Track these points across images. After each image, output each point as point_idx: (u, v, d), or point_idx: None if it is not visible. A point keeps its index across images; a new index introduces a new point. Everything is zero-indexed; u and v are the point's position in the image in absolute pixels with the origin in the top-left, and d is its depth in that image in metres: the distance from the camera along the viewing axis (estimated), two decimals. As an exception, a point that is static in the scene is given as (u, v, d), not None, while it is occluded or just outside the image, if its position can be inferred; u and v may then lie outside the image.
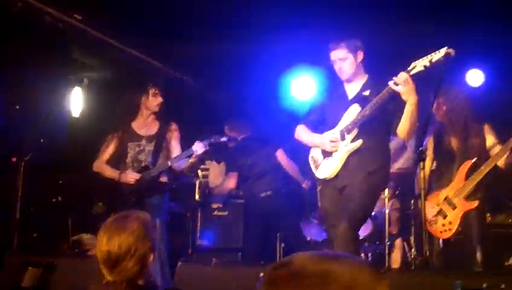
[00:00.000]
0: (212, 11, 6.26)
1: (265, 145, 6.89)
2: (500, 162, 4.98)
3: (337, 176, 4.79)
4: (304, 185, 6.87)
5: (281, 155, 6.82)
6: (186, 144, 5.65)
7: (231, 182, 6.91)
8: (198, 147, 5.52)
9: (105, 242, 2.71)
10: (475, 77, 7.06)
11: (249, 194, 6.82)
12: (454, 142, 5.22)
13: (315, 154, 4.98)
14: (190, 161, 5.61)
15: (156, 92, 5.70)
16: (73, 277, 4.57)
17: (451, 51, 4.20)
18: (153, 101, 5.71)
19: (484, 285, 3.80)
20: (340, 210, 4.70)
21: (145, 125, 5.76)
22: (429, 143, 5.36)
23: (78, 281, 3.75)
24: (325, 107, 5.02)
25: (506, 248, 6.19)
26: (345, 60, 4.79)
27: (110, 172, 5.68)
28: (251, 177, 6.77)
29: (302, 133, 5.09)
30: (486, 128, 5.19)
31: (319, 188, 4.99)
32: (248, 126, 7.01)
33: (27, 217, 6.16)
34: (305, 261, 1.57)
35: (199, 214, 6.97)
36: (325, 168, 4.84)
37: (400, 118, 4.58)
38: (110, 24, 6.62)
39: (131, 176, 5.54)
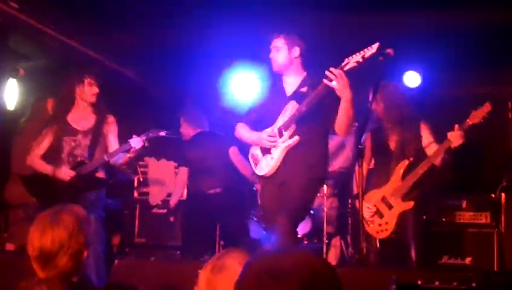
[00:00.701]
0: (153, 1, 6.19)
1: (218, 141, 6.70)
2: (437, 161, 5.08)
3: (276, 172, 4.80)
4: (256, 186, 6.65)
5: (233, 153, 6.59)
6: (125, 139, 5.50)
7: (183, 180, 6.76)
8: (136, 142, 5.35)
9: (38, 237, 2.63)
10: (412, 79, 7.22)
11: (196, 189, 6.63)
12: (391, 141, 5.29)
13: (255, 151, 4.99)
14: (128, 155, 5.45)
15: (92, 81, 5.52)
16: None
17: (390, 50, 4.27)
18: (89, 91, 5.53)
19: (419, 282, 3.87)
20: (280, 206, 4.71)
21: (81, 118, 5.60)
22: (367, 141, 5.43)
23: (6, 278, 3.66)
24: (263, 104, 5.04)
25: (440, 246, 6.33)
26: (279, 50, 4.84)
27: (43, 167, 5.50)
28: (200, 172, 6.57)
29: (242, 131, 5.09)
30: (423, 126, 5.27)
31: (259, 185, 5.00)
32: (204, 120, 6.87)
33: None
34: None
35: (137, 212, 6.88)
36: (264, 165, 4.86)
37: (336, 114, 4.63)
38: (47, 13, 6.45)
39: (65, 173, 5.39)
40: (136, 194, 6.91)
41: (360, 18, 6.23)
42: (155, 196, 6.82)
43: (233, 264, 2.29)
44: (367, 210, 5.09)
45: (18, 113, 6.90)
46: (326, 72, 4.48)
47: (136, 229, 6.80)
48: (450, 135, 4.92)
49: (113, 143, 5.58)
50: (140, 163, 6.93)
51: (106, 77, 5.83)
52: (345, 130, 4.76)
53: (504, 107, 6.71)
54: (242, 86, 7.30)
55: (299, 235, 5.95)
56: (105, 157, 5.46)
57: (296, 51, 4.86)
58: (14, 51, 6.93)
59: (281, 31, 4.88)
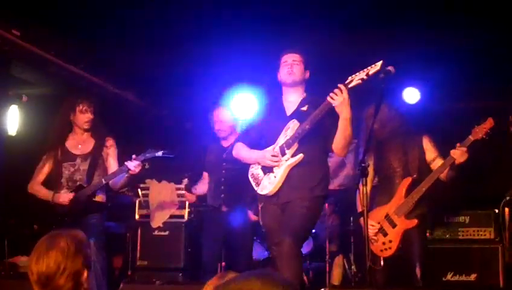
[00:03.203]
0: (155, 27, 6.23)
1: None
2: (442, 175, 5.05)
3: (279, 191, 4.78)
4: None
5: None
6: (127, 161, 5.52)
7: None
8: (132, 164, 5.35)
9: (35, 262, 2.68)
10: (411, 95, 7.24)
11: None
12: (394, 158, 5.26)
13: (255, 171, 4.97)
14: (126, 176, 5.45)
15: (84, 108, 5.56)
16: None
17: (391, 68, 4.27)
18: (81, 118, 5.57)
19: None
20: (283, 227, 4.69)
21: (79, 143, 5.63)
22: (369, 159, 5.40)
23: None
24: (263, 124, 5.03)
25: (444, 263, 6.30)
26: (297, 64, 4.86)
27: (43, 193, 5.55)
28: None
29: (241, 150, 5.07)
30: (425, 140, 5.24)
31: (260, 205, 4.97)
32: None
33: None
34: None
35: (139, 234, 6.84)
36: (267, 184, 4.83)
37: (335, 133, 4.63)
38: (48, 39, 6.51)
39: (63, 197, 5.41)
40: (137, 216, 6.88)
41: (358, 36, 6.26)
42: (157, 218, 6.77)
43: None
44: (371, 228, 5.05)
45: (19, 139, 6.94)
46: (331, 93, 4.48)
47: (138, 252, 6.75)
48: (452, 152, 4.89)
49: (112, 166, 5.59)
50: (142, 185, 6.90)
51: (105, 101, 5.85)
52: (342, 149, 4.74)
53: (505, 121, 6.69)
54: (241, 105, 7.30)
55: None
56: (103, 180, 5.46)
57: (307, 73, 4.92)
58: (16, 78, 6.97)
59: (296, 47, 4.93)
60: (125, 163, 5.35)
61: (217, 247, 6.34)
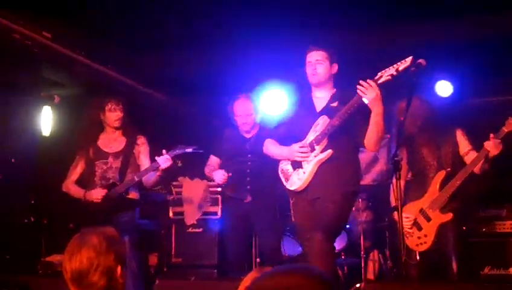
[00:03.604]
0: (181, 25, 6.25)
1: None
2: (476, 168, 4.98)
3: (308, 187, 4.77)
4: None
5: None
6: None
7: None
8: (162, 160, 5.35)
9: (68, 260, 2.72)
10: (444, 88, 7.15)
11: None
12: (427, 152, 5.21)
13: (285, 166, 4.96)
14: (158, 174, 5.49)
15: (113, 107, 5.62)
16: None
17: (422, 61, 4.22)
18: (111, 116, 5.63)
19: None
20: (315, 223, 4.67)
21: (111, 141, 5.70)
22: (403, 153, 5.34)
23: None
24: (293, 120, 5.02)
25: (482, 257, 6.22)
26: (321, 63, 4.80)
27: (76, 192, 5.63)
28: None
29: (271, 147, 5.07)
30: (459, 134, 5.18)
31: (291, 201, 4.95)
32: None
33: (-1, 238, 6.08)
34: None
35: (173, 232, 6.87)
36: (296, 180, 4.82)
37: (366, 128, 4.60)
38: (79, 41, 6.58)
39: (96, 194, 5.47)
40: (171, 214, 6.91)
41: (388, 30, 6.21)
42: (190, 215, 6.79)
43: None
44: (405, 222, 5.00)
45: (53, 139, 7.03)
46: (359, 87, 4.44)
47: (173, 249, 6.79)
48: (486, 144, 4.82)
49: (145, 163, 5.63)
50: (175, 183, 6.93)
51: (135, 100, 5.89)
52: (374, 145, 4.71)
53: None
54: (272, 102, 7.29)
55: (335, 251, 5.88)
56: (136, 178, 5.50)
57: (335, 67, 4.86)
58: (48, 79, 7.07)
59: (320, 43, 4.86)
60: (156, 158, 5.39)
61: (244, 242, 6.26)
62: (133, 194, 5.62)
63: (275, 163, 5.21)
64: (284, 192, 5.13)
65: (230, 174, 6.03)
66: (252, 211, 6.04)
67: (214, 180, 6.26)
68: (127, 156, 5.62)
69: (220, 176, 6.01)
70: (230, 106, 6.15)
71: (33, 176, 6.78)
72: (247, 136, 6.17)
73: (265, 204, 6.03)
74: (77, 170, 5.72)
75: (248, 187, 6.07)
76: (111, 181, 5.52)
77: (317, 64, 4.80)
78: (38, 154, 6.83)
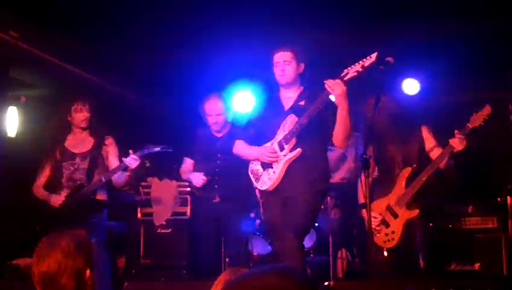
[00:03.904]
0: (153, 24, 6.22)
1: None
2: (442, 164, 5.04)
3: (278, 187, 4.79)
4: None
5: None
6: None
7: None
8: (130, 160, 5.33)
9: (36, 263, 2.69)
10: (411, 86, 7.22)
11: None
12: (393, 149, 5.27)
13: (255, 167, 4.97)
14: (127, 174, 5.45)
15: (79, 107, 5.57)
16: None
17: (390, 59, 4.26)
18: (78, 117, 5.58)
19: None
20: (285, 222, 4.69)
21: (78, 142, 5.64)
22: (369, 151, 5.38)
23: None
24: (262, 119, 5.04)
25: (448, 253, 6.30)
26: (289, 63, 4.82)
27: (42, 195, 5.56)
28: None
29: (240, 147, 5.09)
30: (424, 131, 5.24)
31: (262, 200, 4.97)
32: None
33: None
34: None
35: (142, 233, 6.83)
36: (266, 179, 4.84)
37: (334, 126, 4.64)
38: (47, 40, 6.50)
39: (55, 200, 5.42)
40: (139, 214, 6.87)
41: (356, 28, 6.25)
42: (159, 215, 6.77)
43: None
44: (373, 220, 5.04)
45: (19, 140, 6.94)
46: (326, 83, 4.48)
47: (142, 251, 6.75)
48: (451, 141, 4.89)
49: (113, 164, 5.59)
50: (143, 184, 6.89)
51: (104, 100, 5.84)
52: (342, 141, 4.76)
53: (506, 110, 6.68)
54: (241, 101, 7.30)
55: (305, 249, 5.90)
56: (103, 179, 5.46)
57: (302, 67, 4.89)
58: (15, 79, 6.97)
59: (287, 44, 4.87)
60: (123, 159, 5.35)
61: (214, 242, 6.15)
62: (101, 196, 5.57)
63: (245, 163, 5.22)
64: (254, 191, 5.14)
65: (209, 177, 5.98)
66: (221, 211, 5.97)
67: (192, 183, 6.20)
68: (95, 156, 5.58)
69: (198, 179, 5.96)
70: (202, 106, 6.10)
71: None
72: (219, 135, 6.13)
73: (234, 204, 5.97)
74: (45, 172, 5.64)
75: (216, 186, 6.00)
76: (78, 182, 5.47)
77: (285, 64, 4.82)
78: (4, 156, 6.72)
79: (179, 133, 6.95)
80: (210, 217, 6.05)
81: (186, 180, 6.35)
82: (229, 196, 5.99)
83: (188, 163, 6.27)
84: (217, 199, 6.01)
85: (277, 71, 4.86)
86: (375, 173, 5.41)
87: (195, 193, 6.28)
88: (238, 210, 6.03)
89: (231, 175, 5.89)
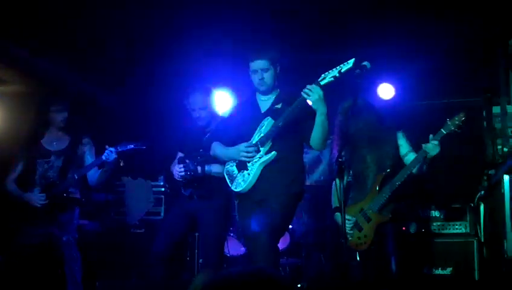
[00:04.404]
0: (130, 25, 6.20)
1: None
2: (415, 169, 5.06)
3: (253, 188, 4.79)
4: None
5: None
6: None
7: None
8: (107, 154, 5.32)
9: None
10: (386, 90, 7.28)
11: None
12: (368, 153, 5.28)
13: (230, 168, 4.97)
14: (104, 170, 5.42)
15: (59, 107, 5.56)
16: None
17: (367, 63, 4.28)
18: (56, 117, 5.57)
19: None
20: (260, 223, 4.69)
21: (54, 140, 5.62)
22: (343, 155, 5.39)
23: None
24: (238, 121, 5.02)
25: (420, 257, 6.34)
26: (267, 70, 4.82)
27: (14, 191, 5.52)
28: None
29: (217, 149, 5.08)
30: (400, 135, 5.27)
31: (236, 201, 4.98)
32: None
33: None
34: None
35: (115, 232, 6.81)
36: (241, 181, 4.84)
37: (311, 128, 4.65)
38: (23, 36, 6.44)
39: (38, 199, 5.36)
40: (112, 214, 6.84)
41: (333, 33, 6.27)
42: (132, 215, 6.75)
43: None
44: (346, 223, 5.06)
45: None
46: (304, 89, 4.49)
47: (114, 250, 6.72)
48: (424, 146, 4.91)
49: (90, 162, 5.57)
50: (117, 183, 6.87)
51: (81, 98, 5.81)
52: (319, 145, 4.78)
53: (479, 116, 6.74)
54: (219, 102, 7.27)
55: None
56: (75, 176, 5.43)
57: (278, 68, 4.89)
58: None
59: (262, 51, 4.85)
60: (102, 156, 5.36)
61: (176, 238, 5.76)
62: (74, 194, 5.54)
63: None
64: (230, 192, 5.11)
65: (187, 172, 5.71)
66: (197, 210, 5.76)
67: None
68: (70, 155, 5.56)
69: (176, 171, 5.73)
70: (186, 99, 5.89)
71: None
72: (206, 130, 5.87)
73: (210, 203, 5.76)
74: (18, 168, 5.61)
75: (195, 184, 5.78)
76: (51, 180, 5.44)
77: (263, 72, 4.82)
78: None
79: (155, 132, 6.93)
80: (184, 214, 5.80)
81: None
82: (206, 194, 5.77)
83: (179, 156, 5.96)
84: (194, 197, 5.79)
85: (255, 79, 4.86)
86: (349, 177, 5.43)
87: (173, 189, 6.09)
88: (214, 209, 5.75)
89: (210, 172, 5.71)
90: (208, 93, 5.94)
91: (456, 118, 4.84)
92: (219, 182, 5.49)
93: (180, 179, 5.75)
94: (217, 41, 6.38)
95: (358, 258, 5.12)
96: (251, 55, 4.84)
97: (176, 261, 6.18)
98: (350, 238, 5.15)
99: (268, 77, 4.83)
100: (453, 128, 4.83)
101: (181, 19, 6.07)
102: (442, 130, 4.88)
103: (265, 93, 4.93)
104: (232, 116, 5.20)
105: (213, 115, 5.92)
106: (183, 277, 6.49)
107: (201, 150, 5.79)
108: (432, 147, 4.86)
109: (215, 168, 5.62)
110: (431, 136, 4.89)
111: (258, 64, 4.82)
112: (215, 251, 5.78)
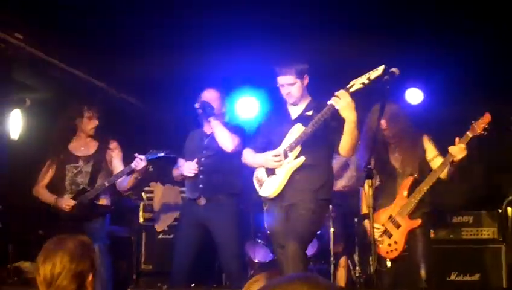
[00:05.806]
0: (157, 31, 6.24)
1: None
2: (443, 174, 5.04)
3: (282, 194, 4.82)
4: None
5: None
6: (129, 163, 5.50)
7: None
8: (138, 162, 5.34)
9: (42, 262, 2.71)
10: (414, 96, 7.25)
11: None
12: (395, 158, 5.26)
13: (259, 173, 5.00)
14: (134, 176, 5.46)
15: (90, 114, 5.63)
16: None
17: (395, 70, 4.27)
18: (88, 124, 5.65)
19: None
20: (288, 230, 4.71)
21: (82, 145, 5.67)
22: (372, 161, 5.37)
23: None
24: (269, 129, 5.08)
25: (448, 263, 6.31)
26: (293, 84, 4.86)
27: (46, 197, 5.57)
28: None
29: (247, 156, 5.12)
30: (426, 139, 5.23)
31: (265, 207, 5.00)
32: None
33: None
34: None
35: (143, 238, 6.84)
36: (269, 186, 4.87)
37: (341, 135, 4.64)
38: (51, 43, 6.52)
39: (66, 203, 5.42)
40: (141, 220, 6.87)
41: (362, 39, 6.26)
42: (161, 221, 6.78)
43: None
44: (376, 230, 5.04)
45: (22, 143, 6.94)
46: (333, 97, 4.49)
47: (143, 256, 6.75)
48: (451, 149, 4.87)
49: (118, 168, 5.62)
50: (146, 189, 6.90)
51: (109, 105, 5.85)
52: (349, 151, 4.78)
53: (507, 121, 6.68)
54: (246, 109, 7.32)
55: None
56: (106, 183, 5.48)
57: (306, 79, 4.93)
58: (19, 82, 6.97)
59: (288, 64, 4.88)
60: (131, 164, 5.39)
61: (193, 253, 5.71)
62: (104, 200, 5.59)
63: (232, 159, 5.28)
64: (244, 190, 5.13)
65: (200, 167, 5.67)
66: (208, 217, 5.64)
67: (183, 177, 5.80)
68: (99, 160, 5.61)
69: (187, 168, 5.65)
70: (199, 97, 5.80)
71: (1, 181, 6.68)
72: (208, 131, 5.81)
73: (221, 207, 5.64)
74: (48, 174, 5.67)
75: (201, 186, 5.67)
76: (81, 187, 5.49)
77: (289, 86, 4.87)
78: (7, 158, 6.72)
79: (181, 139, 6.96)
80: (196, 224, 5.70)
81: (179, 176, 5.93)
82: (214, 195, 5.65)
83: (181, 163, 5.88)
84: (203, 202, 5.65)
85: (283, 92, 4.93)
86: (377, 182, 5.41)
87: (186, 196, 5.92)
88: (226, 213, 5.65)
89: (217, 172, 5.65)
90: (221, 94, 5.88)
91: (482, 120, 4.81)
92: (227, 178, 5.54)
93: (190, 175, 5.67)
94: (249, 51, 6.39)
95: (388, 265, 5.09)
96: (277, 70, 4.88)
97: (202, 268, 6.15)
98: (380, 246, 5.13)
99: (295, 90, 4.89)
100: (479, 131, 4.80)
101: (211, 27, 6.11)
102: (468, 133, 4.85)
103: (294, 104, 4.97)
104: (263, 122, 5.24)
105: (220, 113, 5.79)
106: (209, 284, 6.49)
107: (204, 152, 5.76)
108: (458, 150, 4.83)
109: None
110: (457, 139, 4.87)
111: (283, 79, 4.88)
112: (234, 258, 5.71)
